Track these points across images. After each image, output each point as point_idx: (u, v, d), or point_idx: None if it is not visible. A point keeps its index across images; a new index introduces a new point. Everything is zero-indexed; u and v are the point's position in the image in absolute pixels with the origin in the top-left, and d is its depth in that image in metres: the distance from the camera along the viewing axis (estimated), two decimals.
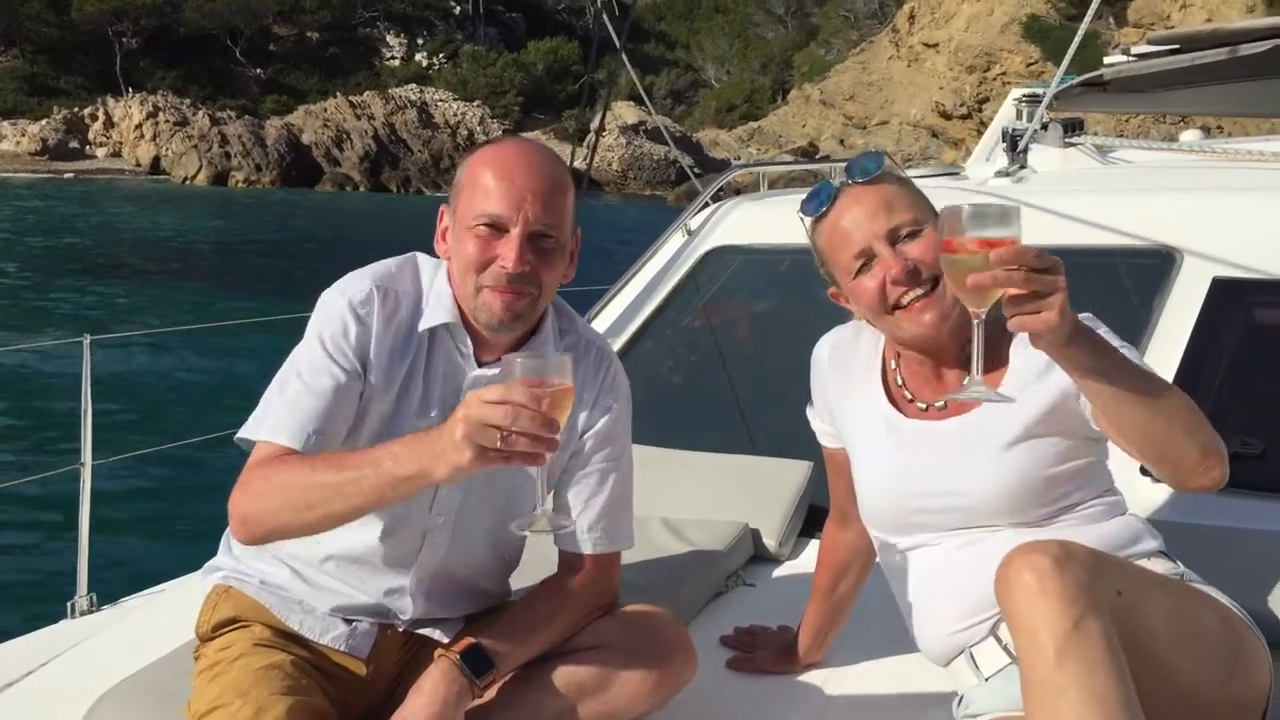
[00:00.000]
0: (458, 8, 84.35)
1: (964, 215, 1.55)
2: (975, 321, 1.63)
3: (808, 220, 2.10)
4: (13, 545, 6.92)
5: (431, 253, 2.06)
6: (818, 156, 56.44)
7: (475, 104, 65.29)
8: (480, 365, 1.98)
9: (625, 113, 62.84)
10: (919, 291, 1.94)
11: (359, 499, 1.72)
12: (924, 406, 2.06)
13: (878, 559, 2.23)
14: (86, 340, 3.45)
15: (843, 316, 2.21)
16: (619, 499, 2.10)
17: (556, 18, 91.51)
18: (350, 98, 60.96)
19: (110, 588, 3.17)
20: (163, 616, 2.73)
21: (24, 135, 56.17)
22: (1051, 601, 1.60)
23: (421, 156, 59.15)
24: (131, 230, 31.34)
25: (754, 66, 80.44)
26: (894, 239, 1.96)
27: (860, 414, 2.14)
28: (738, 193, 4.20)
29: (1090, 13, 3.60)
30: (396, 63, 79.11)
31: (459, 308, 1.96)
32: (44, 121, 57.03)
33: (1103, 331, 1.85)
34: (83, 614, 3.11)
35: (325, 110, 59.40)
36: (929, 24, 59.17)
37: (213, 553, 2.21)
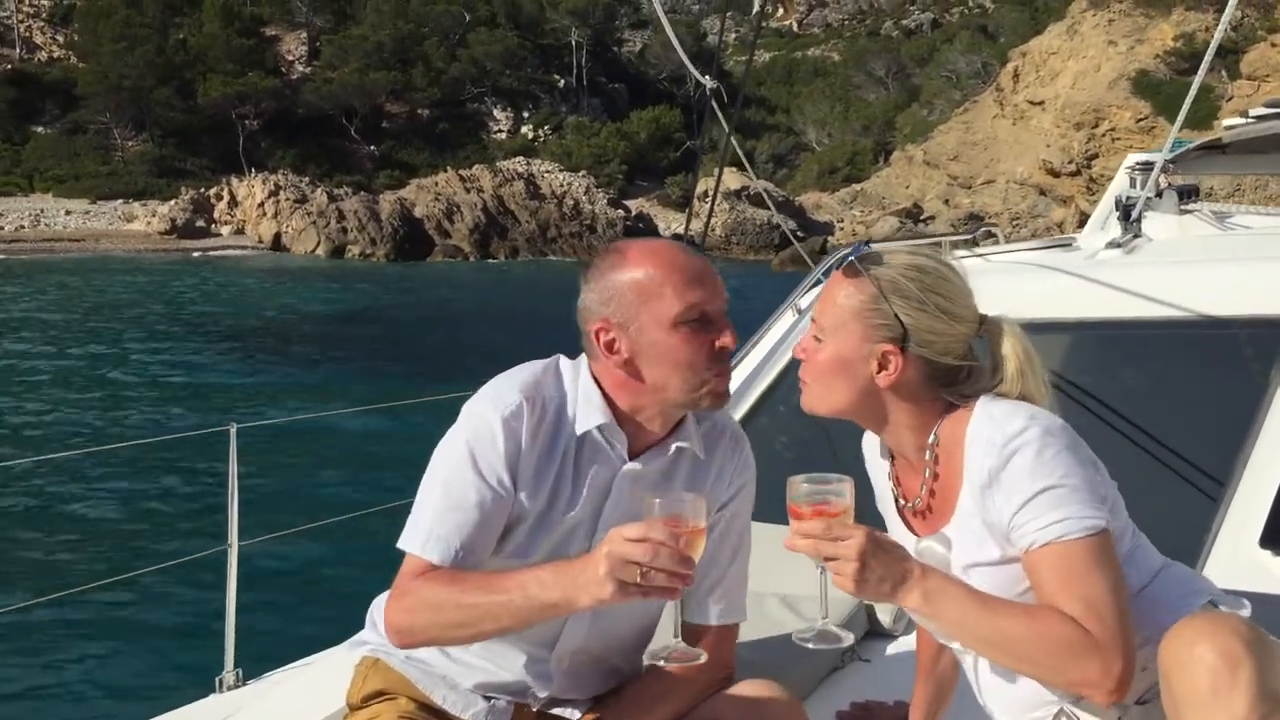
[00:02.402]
0: (562, 81, 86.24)
1: (792, 484, 1.80)
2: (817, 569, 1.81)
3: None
4: (163, 626, 7.20)
5: (569, 355, 2.13)
6: (923, 217, 55.86)
7: (580, 174, 66.45)
8: (630, 460, 2.04)
9: (728, 178, 63.27)
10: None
11: (508, 621, 1.85)
12: (911, 508, 2.07)
13: None
14: (233, 429, 3.62)
15: None
16: (740, 575, 2.18)
17: (658, 87, 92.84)
18: (460, 171, 62.61)
19: (255, 664, 3.30)
20: (306, 690, 2.84)
21: (154, 216, 58.88)
22: (1242, 696, 1.52)
23: (529, 227, 60.31)
24: (266, 307, 32.39)
25: (855, 129, 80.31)
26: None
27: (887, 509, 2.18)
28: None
29: (1202, 71, 3.55)
30: (503, 136, 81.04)
31: (609, 407, 2.02)
32: (173, 202, 59.73)
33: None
34: (229, 689, 3.24)
35: (436, 184, 61.09)
36: (1034, 82, 58.53)
37: (350, 627, 2.30)
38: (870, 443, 2.20)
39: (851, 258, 1.97)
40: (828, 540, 1.74)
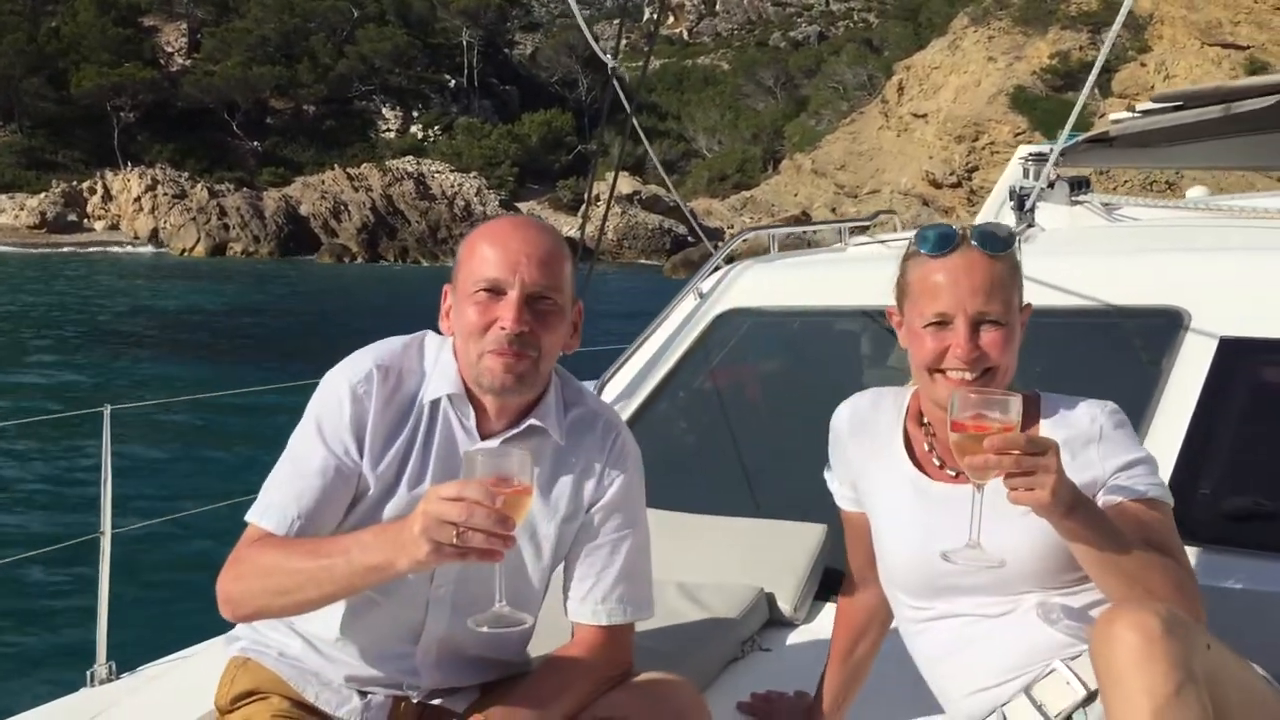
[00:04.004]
0: (452, 81, 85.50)
1: (970, 401, 1.77)
2: (974, 490, 1.80)
3: (916, 249, 2.07)
4: (34, 613, 6.92)
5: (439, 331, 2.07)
6: (831, 220, 56.94)
7: (471, 175, 66.03)
8: (483, 438, 1.98)
9: (620, 183, 63.41)
10: (968, 375, 1.97)
11: (330, 586, 1.78)
12: (953, 473, 2.05)
13: (895, 621, 2.23)
14: (107, 410, 3.46)
15: (852, 382, 2.21)
16: (633, 569, 2.08)
17: (550, 90, 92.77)
18: (348, 170, 61.63)
19: (129, 655, 3.15)
20: (181, 685, 2.72)
21: (22, 209, 56.60)
22: (1157, 665, 1.63)
23: (419, 227, 59.64)
24: (137, 303, 31.55)
25: (745, 137, 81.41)
26: (978, 321, 1.97)
27: (884, 478, 2.15)
28: (730, 259, 4.20)
29: (1095, 72, 3.64)
30: (392, 135, 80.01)
31: (463, 380, 1.97)
32: (43, 195, 57.53)
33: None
34: (102, 682, 3.08)
35: (323, 182, 60.05)
36: (918, 95, 60.11)
37: (226, 622, 2.20)
38: (848, 416, 2.25)
39: (996, 233, 2.03)
40: (1030, 453, 1.71)
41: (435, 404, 1.98)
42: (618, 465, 2.07)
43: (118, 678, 3.10)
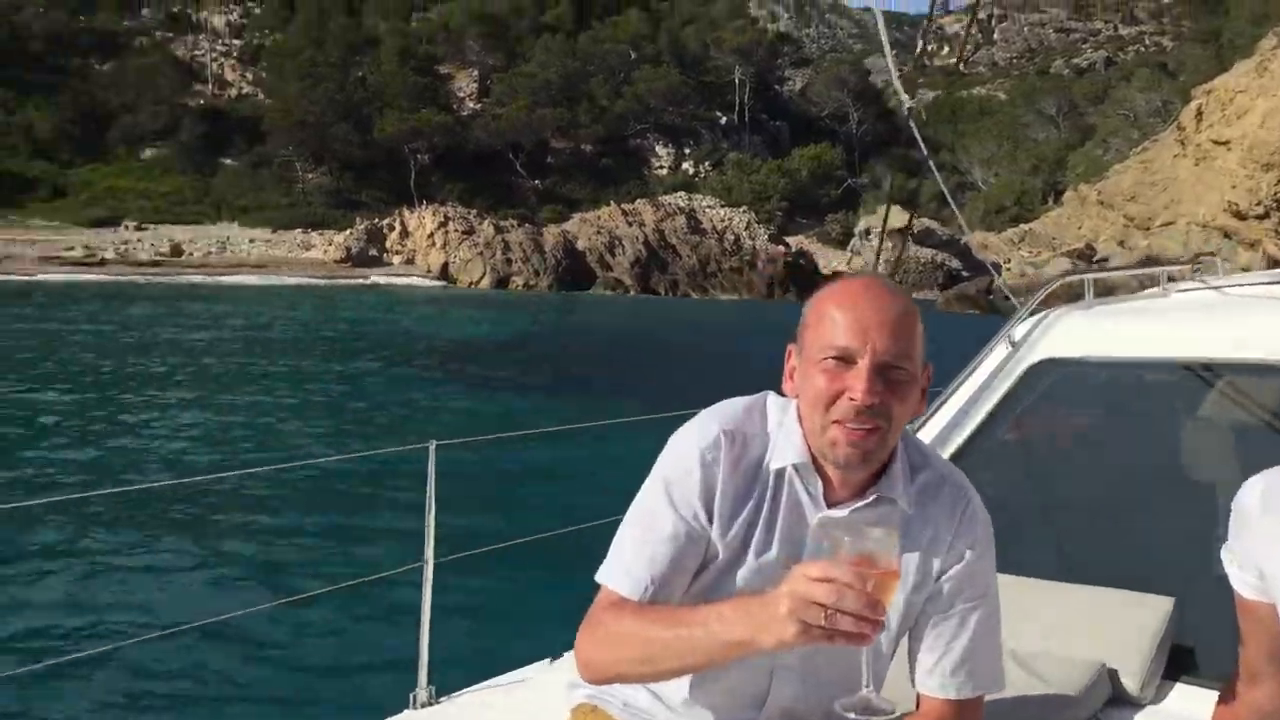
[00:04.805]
0: (724, 118, 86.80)
1: None
2: None
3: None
4: (359, 637, 7.34)
5: (780, 391, 2.02)
6: (1096, 259, 54.00)
7: (741, 210, 66.63)
8: (829, 506, 1.93)
9: (891, 216, 62.38)
10: None
11: (689, 658, 1.76)
12: None
13: None
14: (432, 446, 3.63)
15: (1255, 457, 1.97)
16: (983, 641, 1.99)
17: (820, 124, 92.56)
18: (623, 206, 63.57)
19: (449, 680, 3.29)
20: (502, 712, 2.81)
21: (330, 244, 61.60)
22: None
23: (690, 261, 60.70)
24: (438, 333, 33.14)
25: (1024, 168, 78.38)
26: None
27: None
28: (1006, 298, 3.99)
29: None
30: (665, 171, 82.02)
31: (808, 447, 1.92)
32: (348, 232, 62.39)
33: None
34: (423, 705, 3.22)
35: (599, 218, 62.19)
36: (1219, 121, 56.00)
37: (540, 648, 2.25)
38: (1260, 495, 1.93)
39: None
40: None
41: (780, 472, 1.95)
42: (968, 533, 2.00)
43: (437, 701, 3.24)
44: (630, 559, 1.90)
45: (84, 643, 7.10)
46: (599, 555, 1.96)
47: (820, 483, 1.93)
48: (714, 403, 2.06)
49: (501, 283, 56.35)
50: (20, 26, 74.70)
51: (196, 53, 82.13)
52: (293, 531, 10.33)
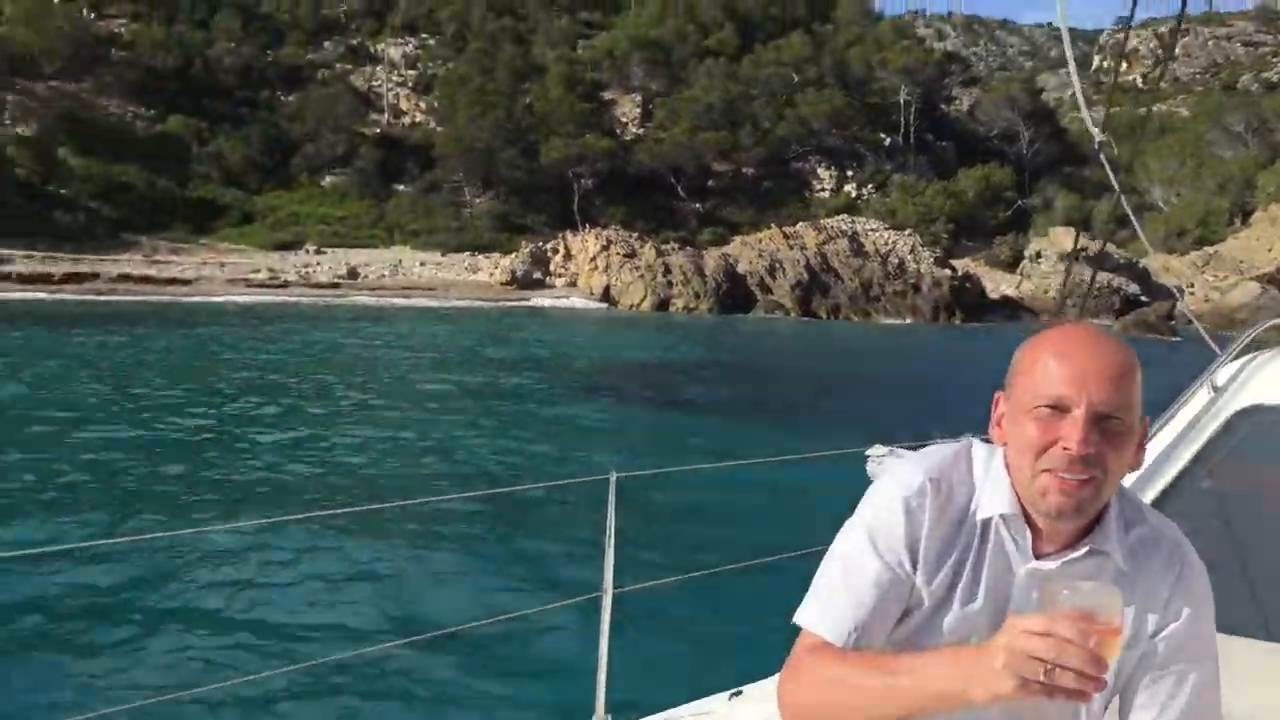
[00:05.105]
0: (888, 139, 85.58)
1: None
2: None
3: None
4: (537, 665, 7.45)
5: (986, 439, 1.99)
6: None
7: (906, 232, 65.50)
8: (1037, 558, 1.89)
9: (1064, 239, 60.45)
10: None
11: (894, 708, 1.73)
12: None
13: None
14: (613, 477, 3.69)
15: None
16: (1200, 703, 1.92)
17: (988, 144, 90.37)
18: (784, 228, 63.29)
19: (626, 710, 3.33)
20: None
21: (496, 268, 63.17)
22: None
23: (852, 285, 59.97)
24: (608, 356, 33.58)
25: (1209, 187, 74.70)
26: None
27: None
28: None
29: None
30: (827, 194, 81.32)
31: (1017, 497, 1.89)
32: (514, 255, 63.89)
33: None
34: None
35: (760, 240, 62.06)
36: None
37: (717, 680, 2.23)
38: None
39: None
40: None
41: (987, 521, 1.92)
42: (1185, 591, 1.93)
43: None
44: (832, 603, 1.90)
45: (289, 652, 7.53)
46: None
47: (1029, 533, 1.90)
48: (889, 436, 2.04)
49: (662, 305, 56.74)
50: (213, 61, 79.30)
51: (374, 83, 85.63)
52: (470, 561, 10.58)
